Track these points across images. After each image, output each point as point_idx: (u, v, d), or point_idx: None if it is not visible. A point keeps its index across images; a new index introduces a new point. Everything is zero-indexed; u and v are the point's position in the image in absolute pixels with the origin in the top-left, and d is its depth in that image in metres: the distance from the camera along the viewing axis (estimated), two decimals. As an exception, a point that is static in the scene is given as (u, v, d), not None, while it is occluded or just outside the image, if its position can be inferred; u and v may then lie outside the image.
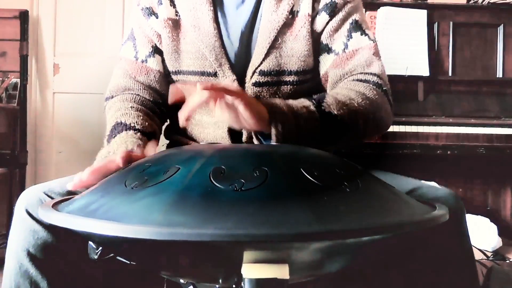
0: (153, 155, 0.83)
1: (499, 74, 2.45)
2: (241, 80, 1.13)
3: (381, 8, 2.43)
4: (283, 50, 1.13)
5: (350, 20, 1.15)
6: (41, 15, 3.24)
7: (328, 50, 1.15)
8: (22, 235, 0.93)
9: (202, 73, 1.14)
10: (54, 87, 3.25)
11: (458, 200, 0.97)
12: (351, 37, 1.14)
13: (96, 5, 3.23)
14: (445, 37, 2.45)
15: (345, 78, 1.13)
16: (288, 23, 1.13)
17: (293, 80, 1.14)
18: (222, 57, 1.13)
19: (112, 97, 1.20)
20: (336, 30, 1.15)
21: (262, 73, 1.12)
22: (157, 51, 1.19)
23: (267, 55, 1.12)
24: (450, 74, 2.43)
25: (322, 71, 1.17)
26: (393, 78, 2.28)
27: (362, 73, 1.12)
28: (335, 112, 0.97)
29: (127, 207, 0.62)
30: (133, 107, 1.12)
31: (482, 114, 2.32)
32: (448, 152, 2.23)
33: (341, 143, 1.04)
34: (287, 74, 1.14)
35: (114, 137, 1.04)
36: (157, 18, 1.17)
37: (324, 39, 1.16)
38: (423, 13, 2.43)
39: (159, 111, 1.19)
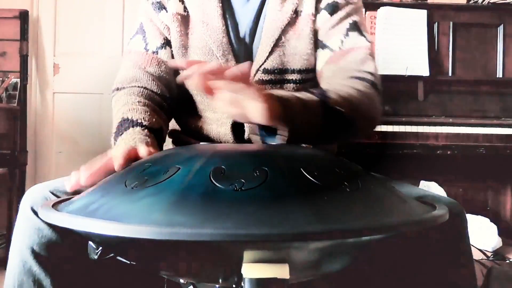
0: (153, 155, 0.83)
1: (499, 74, 2.45)
2: None
3: (381, 8, 2.43)
4: (286, 48, 1.15)
5: (349, 20, 1.17)
6: (41, 15, 3.24)
7: (323, 46, 1.16)
8: (27, 233, 0.93)
9: None
10: (54, 87, 3.25)
11: (460, 210, 0.97)
12: (348, 36, 1.16)
13: (96, 5, 3.23)
14: (445, 37, 2.45)
15: (339, 74, 1.12)
16: (291, 22, 1.16)
17: (296, 79, 1.16)
18: (229, 53, 1.16)
19: (119, 89, 1.18)
20: (333, 27, 1.16)
21: (266, 71, 1.14)
22: (168, 43, 1.20)
23: (271, 53, 1.14)
24: (450, 74, 2.43)
25: (318, 67, 1.17)
26: (393, 78, 2.32)
27: (357, 70, 1.11)
28: (339, 108, 0.97)
29: (127, 207, 0.62)
30: (140, 102, 1.11)
31: (482, 114, 2.31)
32: (448, 152, 2.23)
33: (338, 139, 1.04)
34: (290, 72, 1.16)
35: (121, 134, 1.03)
36: (166, 12, 1.20)
37: (320, 35, 1.17)
38: (423, 13, 2.42)
39: (166, 105, 1.18)
